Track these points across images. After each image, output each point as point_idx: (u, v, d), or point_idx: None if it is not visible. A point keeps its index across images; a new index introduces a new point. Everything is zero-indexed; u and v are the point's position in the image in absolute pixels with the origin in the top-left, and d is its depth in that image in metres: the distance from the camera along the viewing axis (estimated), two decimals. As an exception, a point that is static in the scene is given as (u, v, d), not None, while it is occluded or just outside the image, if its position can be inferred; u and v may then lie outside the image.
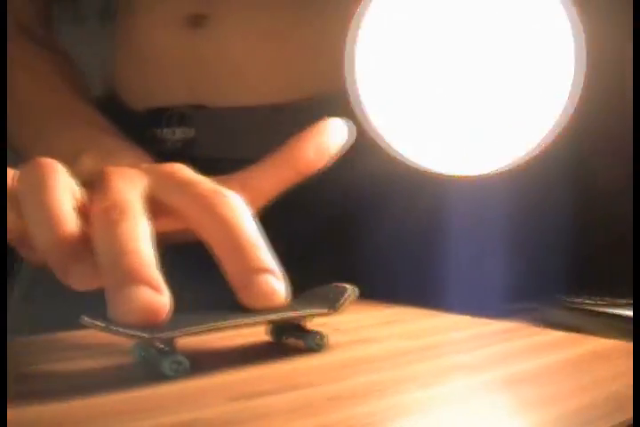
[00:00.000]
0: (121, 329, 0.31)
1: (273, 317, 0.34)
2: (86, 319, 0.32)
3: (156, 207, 0.36)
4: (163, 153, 0.57)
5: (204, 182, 0.36)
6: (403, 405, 0.29)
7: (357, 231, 0.53)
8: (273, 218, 0.50)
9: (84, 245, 0.33)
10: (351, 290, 0.38)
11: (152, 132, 0.58)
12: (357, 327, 0.42)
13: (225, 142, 0.47)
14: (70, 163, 0.41)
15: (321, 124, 0.39)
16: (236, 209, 0.35)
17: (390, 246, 0.50)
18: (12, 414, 0.27)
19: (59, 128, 0.49)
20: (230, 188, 0.38)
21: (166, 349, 0.32)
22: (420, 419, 0.28)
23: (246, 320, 0.34)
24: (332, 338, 0.39)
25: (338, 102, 0.54)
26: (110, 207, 0.34)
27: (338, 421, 0.27)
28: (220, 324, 0.33)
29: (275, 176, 0.39)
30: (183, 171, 0.37)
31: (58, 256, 0.33)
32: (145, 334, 0.31)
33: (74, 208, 0.34)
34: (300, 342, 0.37)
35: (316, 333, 0.37)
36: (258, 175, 0.40)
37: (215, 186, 0.36)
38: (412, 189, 0.49)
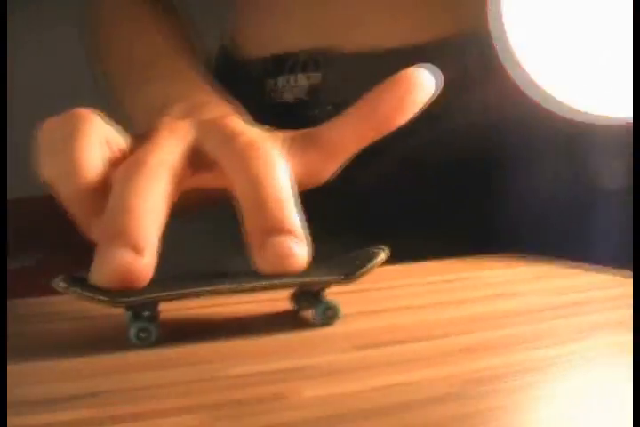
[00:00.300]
0: (81, 292, 0.29)
1: (264, 284, 0.31)
2: (55, 281, 0.30)
3: (202, 162, 0.34)
4: (287, 101, 0.57)
5: (246, 135, 0.34)
6: (535, 360, 0.29)
7: (504, 183, 0.51)
8: (411, 167, 0.49)
9: (106, 199, 0.32)
10: (382, 255, 0.33)
11: (276, 79, 0.58)
12: (503, 282, 0.42)
13: (352, 88, 0.46)
14: (158, 115, 0.42)
15: (404, 74, 0.36)
16: (268, 164, 0.32)
17: (540, 199, 0.48)
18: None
19: (152, 80, 0.49)
20: (303, 144, 0.36)
21: (146, 314, 0.30)
22: (551, 375, 0.27)
23: (229, 287, 0.31)
24: (477, 291, 0.39)
25: (470, 44, 0.52)
26: (132, 162, 0.32)
27: (466, 371, 0.28)
28: (194, 290, 0.30)
29: (351, 132, 0.36)
30: (233, 124, 0.35)
31: (78, 209, 0.33)
32: (105, 298, 0.29)
33: (109, 161, 0.34)
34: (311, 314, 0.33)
35: (327, 305, 0.33)
36: (333, 131, 0.37)
37: (255, 139, 0.34)
38: (561, 137, 0.47)
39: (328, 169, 0.37)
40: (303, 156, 0.36)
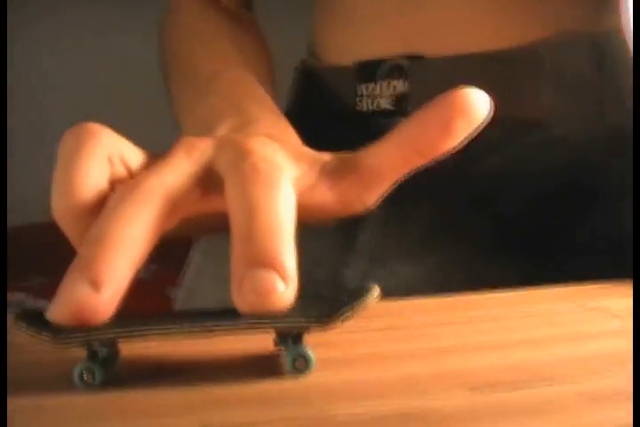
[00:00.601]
0: (26, 327, 0.28)
1: (220, 326, 0.27)
2: (11, 314, 0.28)
3: (216, 184, 0.32)
4: (372, 110, 0.54)
5: (255, 157, 0.31)
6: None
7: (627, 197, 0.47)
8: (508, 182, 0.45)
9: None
10: (371, 295, 0.29)
11: (362, 87, 0.55)
12: (631, 313, 0.37)
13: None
14: (208, 131, 0.39)
15: (454, 94, 0.31)
16: (268, 190, 0.29)
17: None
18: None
19: (210, 94, 0.46)
20: (340, 169, 0.33)
21: (102, 354, 0.28)
22: None
23: (182, 329, 0.27)
24: (601, 324, 0.35)
25: (569, 48, 0.49)
26: (126, 185, 0.30)
27: (590, 423, 0.24)
28: (139, 330, 0.27)
29: (392, 158, 0.33)
30: (252, 143, 0.32)
31: (68, 229, 0.31)
32: (49, 335, 0.27)
33: (114, 180, 0.32)
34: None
35: (298, 353, 0.28)
36: (372, 156, 0.33)
37: (261, 161, 0.31)
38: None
39: (367, 197, 0.34)
40: (338, 182, 0.33)
